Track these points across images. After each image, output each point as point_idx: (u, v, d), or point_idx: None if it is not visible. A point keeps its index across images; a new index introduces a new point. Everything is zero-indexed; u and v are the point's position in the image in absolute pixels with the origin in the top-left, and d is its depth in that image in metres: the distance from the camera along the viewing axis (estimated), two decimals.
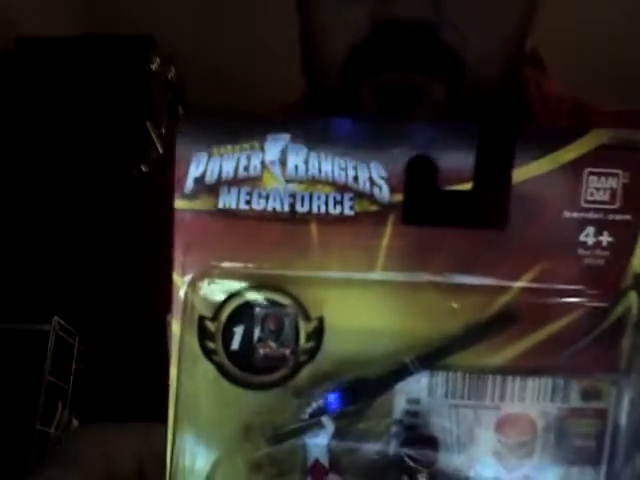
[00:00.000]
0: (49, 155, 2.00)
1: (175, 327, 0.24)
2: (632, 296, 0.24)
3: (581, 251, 0.24)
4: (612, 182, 0.23)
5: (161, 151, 2.16)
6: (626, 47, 2.45)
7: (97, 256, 1.85)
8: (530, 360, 0.25)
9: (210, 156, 0.23)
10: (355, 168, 0.23)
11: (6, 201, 1.96)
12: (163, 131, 2.24)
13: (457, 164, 0.23)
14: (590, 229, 0.24)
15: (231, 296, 0.24)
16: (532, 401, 0.25)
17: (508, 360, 0.25)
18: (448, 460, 0.25)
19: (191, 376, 0.24)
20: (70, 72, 2.08)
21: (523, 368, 0.25)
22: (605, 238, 0.24)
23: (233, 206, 0.23)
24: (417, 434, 0.25)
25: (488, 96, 0.45)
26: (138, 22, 2.29)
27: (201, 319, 0.24)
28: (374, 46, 0.42)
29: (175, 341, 0.24)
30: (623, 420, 0.25)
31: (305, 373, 0.24)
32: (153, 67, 2.16)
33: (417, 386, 0.24)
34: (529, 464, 0.25)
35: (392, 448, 0.24)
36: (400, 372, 0.24)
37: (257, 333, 0.24)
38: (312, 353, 0.24)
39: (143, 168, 2.02)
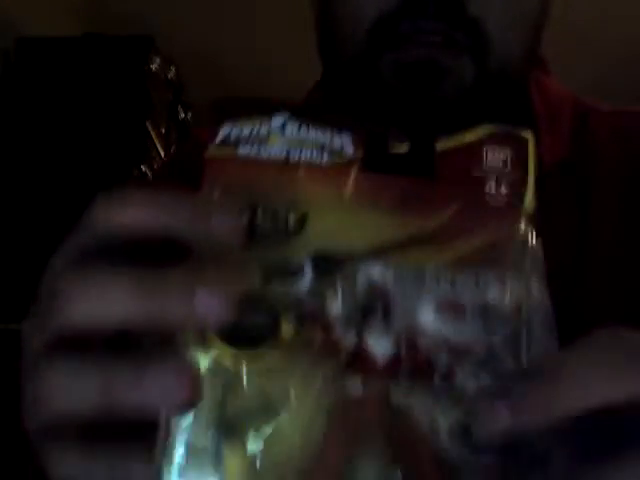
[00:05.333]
0: (49, 155, 2.00)
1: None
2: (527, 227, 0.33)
3: (487, 197, 0.33)
4: (503, 155, 0.33)
5: (161, 151, 2.16)
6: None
7: None
8: None
9: (234, 125, 0.34)
10: (331, 133, 0.34)
11: (6, 201, 1.96)
12: (163, 131, 2.24)
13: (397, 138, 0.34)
14: (492, 183, 0.33)
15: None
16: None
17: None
18: None
19: None
20: (70, 72, 2.08)
21: None
22: (503, 189, 0.33)
23: (248, 153, 0.33)
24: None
25: (511, 73, 0.46)
26: (138, 22, 2.29)
27: None
28: (402, 14, 0.43)
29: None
30: None
31: None
32: (153, 67, 2.16)
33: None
34: None
35: None
36: None
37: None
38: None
39: (143, 168, 2.02)
